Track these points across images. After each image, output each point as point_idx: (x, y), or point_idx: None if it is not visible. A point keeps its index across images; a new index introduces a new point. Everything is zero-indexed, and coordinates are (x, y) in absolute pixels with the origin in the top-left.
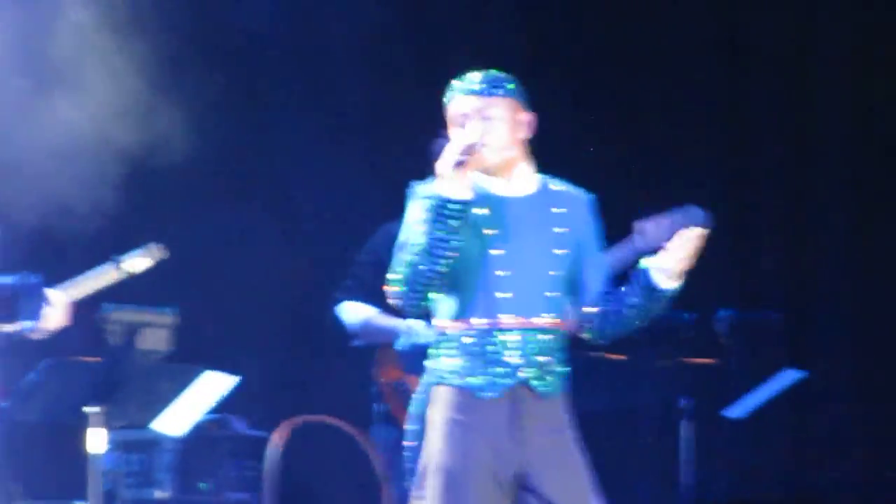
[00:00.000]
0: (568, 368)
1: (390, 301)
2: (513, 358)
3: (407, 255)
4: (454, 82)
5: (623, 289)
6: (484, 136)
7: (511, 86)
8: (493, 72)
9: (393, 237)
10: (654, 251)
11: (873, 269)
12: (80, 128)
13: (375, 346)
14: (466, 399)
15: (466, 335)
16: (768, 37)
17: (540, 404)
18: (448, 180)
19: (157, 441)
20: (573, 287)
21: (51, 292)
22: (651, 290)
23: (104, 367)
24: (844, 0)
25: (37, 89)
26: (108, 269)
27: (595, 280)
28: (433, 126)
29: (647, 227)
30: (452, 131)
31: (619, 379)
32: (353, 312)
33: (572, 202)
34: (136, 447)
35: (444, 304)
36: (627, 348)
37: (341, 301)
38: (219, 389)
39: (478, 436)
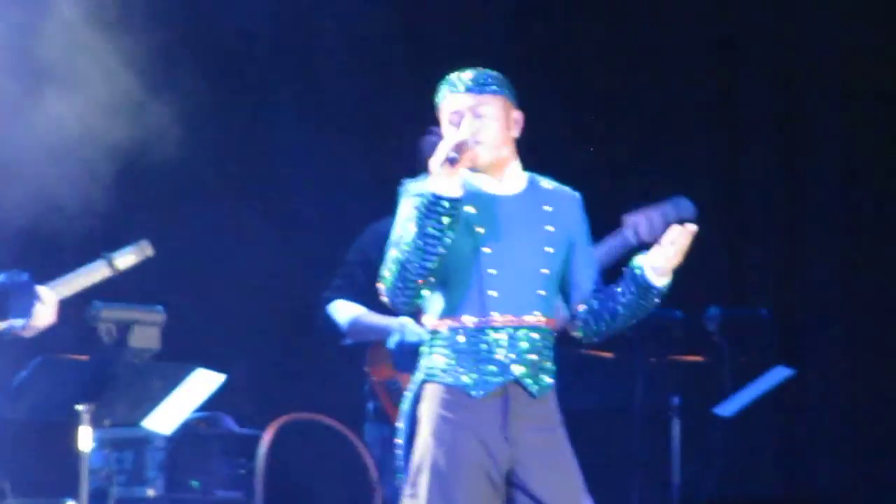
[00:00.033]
0: (555, 367)
1: (382, 298)
2: (504, 356)
3: (399, 253)
4: (446, 79)
5: (615, 286)
6: (477, 133)
7: (503, 84)
8: (485, 70)
9: (381, 236)
10: (642, 243)
11: (863, 267)
12: (70, 125)
13: (366, 344)
14: (457, 397)
15: (457, 333)
16: (759, 34)
17: (531, 402)
18: (440, 177)
19: (147, 439)
20: (564, 285)
21: (41, 289)
22: (645, 287)
23: (94, 365)
24: (837, 1)
25: (26, 87)
26: (99, 267)
27: (586, 278)
28: (425, 124)
29: (636, 220)
30: (445, 128)
31: (608, 377)
32: (343, 311)
33: (562, 200)
34: (127, 445)
35: (435, 302)
36: (617, 346)
37: (331, 300)
38: (208, 387)
39: (469, 434)
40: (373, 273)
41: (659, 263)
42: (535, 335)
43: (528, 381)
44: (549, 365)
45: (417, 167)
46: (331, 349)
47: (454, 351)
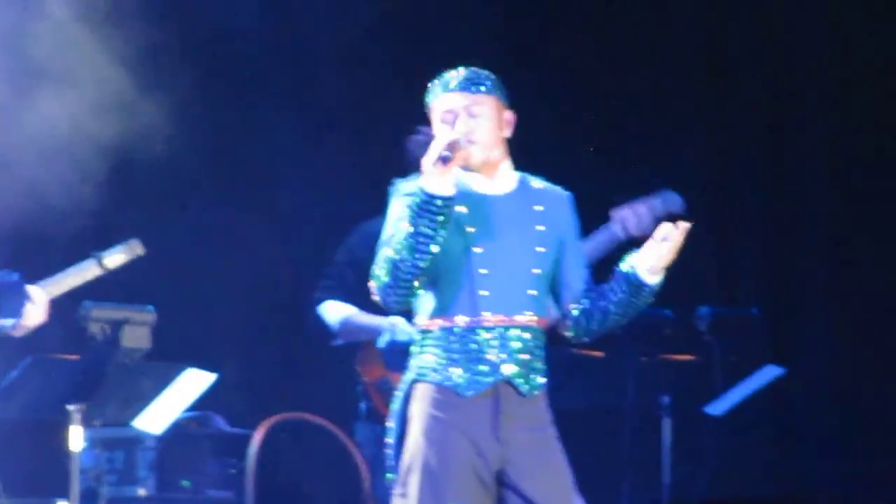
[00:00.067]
0: (546, 366)
1: (374, 298)
2: (495, 356)
3: (391, 252)
4: (440, 78)
5: (606, 285)
6: (471, 133)
7: (496, 84)
8: (479, 69)
9: (370, 235)
10: (630, 238)
11: (854, 266)
12: (60, 124)
13: (358, 344)
14: (448, 396)
15: (449, 333)
16: (749, 35)
17: (521, 402)
18: (433, 176)
19: (138, 439)
20: (555, 285)
21: (31, 289)
22: (637, 285)
23: (85, 365)
24: (827, 1)
25: (16, 86)
26: (89, 266)
27: (577, 277)
28: (416, 124)
29: (624, 214)
30: (437, 127)
31: (599, 376)
32: (334, 312)
33: (552, 200)
34: (118, 445)
35: (426, 302)
36: (608, 346)
37: (322, 301)
38: (199, 387)
39: (459, 433)
40: (362, 273)
41: (651, 261)
42: (527, 335)
43: (520, 380)
44: (540, 365)
45: (404, 167)
46: (321, 349)
47: (445, 350)
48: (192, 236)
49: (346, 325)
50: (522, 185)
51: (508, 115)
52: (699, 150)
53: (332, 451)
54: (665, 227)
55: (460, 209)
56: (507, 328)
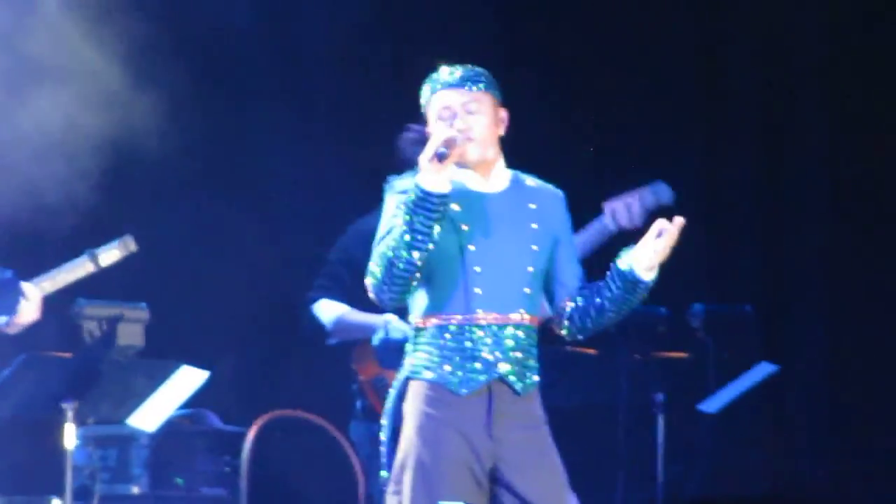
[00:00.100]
0: (539, 364)
1: (369, 295)
2: (489, 354)
3: (386, 249)
4: (436, 75)
5: (600, 282)
6: (468, 130)
7: (491, 82)
8: (475, 67)
9: (363, 234)
10: (621, 230)
11: (847, 262)
12: (53, 121)
13: (353, 343)
14: (442, 394)
15: (443, 330)
16: (743, 33)
17: (515, 400)
18: (429, 173)
19: (132, 436)
20: (549, 283)
21: (25, 286)
22: (632, 282)
23: (78, 363)
24: (825, 1)
25: (9, 83)
26: (82, 263)
27: (571, 275)
28: (409, 122)
29: (615, 207)
30: (433, 124)
31: (593, 374)
32: (328, 311)
33: (546, 198)
34: (111, 442)
35: (420, 300)
36: (601, 343)
37: (316, 300)
38: (192, 384)
39: (453, 431)
40: (356, 271)
41: (646, 257)
42: (520, 333)
43: (513, 378)
44: (533, 363)
45: (396, 164)
46: (316, 346)
47: (439, 348)
48: (186, 234)
49: (340, 324)
50: (516, 183)
51: (503, 113)
52: (693, 147)
53: (327, 448)
54: (660, 223)
55: (454, 207)
56: (500, 326)
